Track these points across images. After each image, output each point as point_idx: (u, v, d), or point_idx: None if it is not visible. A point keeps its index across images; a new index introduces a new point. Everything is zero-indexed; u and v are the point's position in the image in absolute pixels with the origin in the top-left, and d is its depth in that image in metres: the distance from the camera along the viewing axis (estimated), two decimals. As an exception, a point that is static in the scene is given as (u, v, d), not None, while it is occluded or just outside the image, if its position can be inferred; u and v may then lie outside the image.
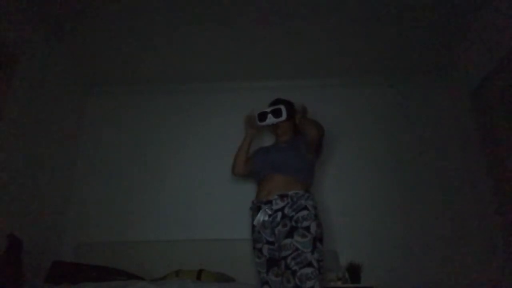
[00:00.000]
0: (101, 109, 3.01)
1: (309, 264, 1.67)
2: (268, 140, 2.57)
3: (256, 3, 2.18)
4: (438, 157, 2.67)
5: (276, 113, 2.06)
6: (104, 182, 2.77)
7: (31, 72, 2.31)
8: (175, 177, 2.75)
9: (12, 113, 2.15)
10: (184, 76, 2.91)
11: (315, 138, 2.05)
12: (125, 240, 2.56)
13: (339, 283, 2.23)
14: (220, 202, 2.64)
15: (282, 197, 1.85)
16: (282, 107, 2.05)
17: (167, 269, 2.24)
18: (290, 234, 1.74)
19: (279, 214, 1.83)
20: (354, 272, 2.28)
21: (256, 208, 1.94)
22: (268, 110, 2.08)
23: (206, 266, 2.23)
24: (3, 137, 2.08)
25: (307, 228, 1.75)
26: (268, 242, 1.87)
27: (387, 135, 2.76)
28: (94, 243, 2.56)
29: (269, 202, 1.87)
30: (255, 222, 1.90)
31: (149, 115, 2.97)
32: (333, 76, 2.89)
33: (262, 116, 2.09)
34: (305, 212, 1.79)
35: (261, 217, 1.87)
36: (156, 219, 2.64)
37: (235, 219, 2.54)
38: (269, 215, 1.85)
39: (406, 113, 2.82)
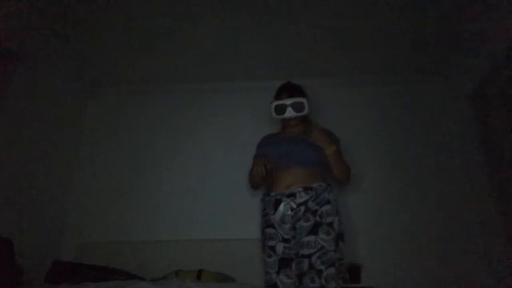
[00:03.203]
0: (101, 109, 3.01)
1: (333, 264, 1.62)
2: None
3: (256, 3, 2.18)
4: (438, 157, 2.67)
5: (297, 107, 1.88)
6: (104, 182, 2.77)
7: (31, 72, 2.31)
8: (175, 177, 2.75)
9: (12, 113, 2.15)
10: (184, 76, 2.91)
11: (339, 182, 1.93)
12: (125, 240, 2.56)
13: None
14: (220, 202, 2.64)
15: (306, 189, 1.74)
16: (304, 101, 1.88)
17: (167, 269, 2.24)
18: (314, 230, 1.66)
19: (302, 208, 1.72)
20: (354, 272, 2.28)
21: (274, 201, 1.79)
22: (288, 102, 1.89)
23: (206, 266, 2.23)
24: (3, 137, 2.08)
25: (331, 224, 1.68)
26: (284, 240, 1.74)
27: (387, 135, 2.76)
28: (94, 243, 2.56)
29: (292, 195, 1.75)
30: (276, 216, 1.76)
31: (149, 115, 2.97)
32: (333, 76, 2.89)
33: (280, 108, 1.90)
34: (328, 207, 1.72)
35: (284, 210, 1.74)
36: (156, 219, 2.64)
37: (235, 219, 2.54)
38: (292, 209, 1.73)
39: (406, 113, 2.82)
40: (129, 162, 2.82)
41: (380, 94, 2.88)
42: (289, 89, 2.02)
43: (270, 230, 1.79)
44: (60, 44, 2.49)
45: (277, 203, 1.78)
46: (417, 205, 2.55)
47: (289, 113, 1.89)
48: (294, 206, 1.74)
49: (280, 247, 1.74)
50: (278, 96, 2.03)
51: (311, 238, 1.65)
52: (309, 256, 1.63)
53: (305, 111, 1.88)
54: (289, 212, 1.74)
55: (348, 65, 2.80)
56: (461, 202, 2.52)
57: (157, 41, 2.50)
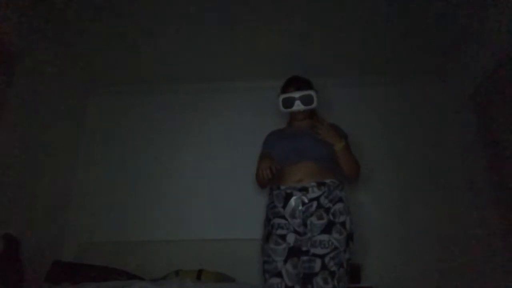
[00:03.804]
0: (101, 109, 3.01)
1: (343, 265, 1.59)
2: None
3: (256, 3, 2.18)
4: (438, 157, 2.67)
5: (306, 100, 1.82)
6: (104, 182, 2.78)
7: (31, 72, 2.31)
8: (175, 177, 2.75)
9: (12, 113, 2.15)
10: (184, 76, 2.91)
11: (348, 179, 1.88)
12: (125, 240, 2.56)
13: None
14: (220, 202, 2.64)
15: (319, 185, 1.69)
16: (313, 93, 1.83)
17: (167, 269, 2.24)
18: (327, 229, 1.62)
19: (315, 204, 1.67)
20: (354, 272, 2.28)
21: (284, 195, 1.73)
22: (296, 95, 1.83)
23: (206, 266, 2.23)
24: (3, 137, 2.08)
25: (343, 224, 1.65)
26: (296, 232, 1.68)
27: (387, 135, 2.76)
28: (94, 243, 2.56)
29: (304, 189, 1.69)
30: (286, 210, 1.71)
31: (149, 115, 2.97)
32: (333, 76, 2.89)
33: (288, 101, 1.83)
34: (341, 205, 1.69)
35: (295, 205, 1.69)
36: (156, 219, 2.64)
37: (235, 219, 2.54)
38: (304, 204, 1.68)
39: (406, 113, 2.82)
40: (129, 162, 2.83)
41: (380, 94, 2.88)
42: (297, 82, 1.96)
43: (280, 220, 1.71)
44: (60, 44, 2.49)
45: (288, 197, 1.72)
46: (417, 205, 2.55)
47: (298, 106, 1.83)
48: (306, 200, 1.68)
49: (292, 237, 1.67)
50: (285, 89, 1.96)
51: (324, 237, 1.61)
52: (322, 256, 1.59)
53: (314, 104, 1.83)
54: (300, 207, 1.69)
55: (348, 65, 2.79)
56: (461, 202, 2.52)
57: (157, 41, 2.50)
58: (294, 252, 1.65)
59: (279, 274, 1.63)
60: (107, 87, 3.02)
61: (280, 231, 1.70)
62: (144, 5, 2.18)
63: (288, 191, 1.73)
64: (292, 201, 1.70)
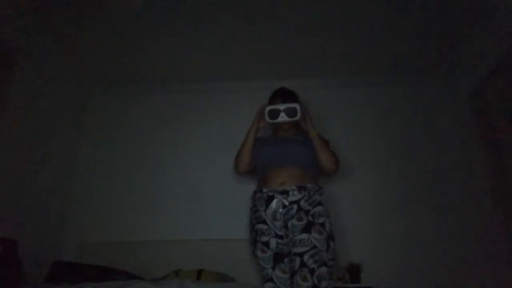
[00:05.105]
0: (101, 109, 3.01)
1: (324, 263, 1.65)
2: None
3: (256, 2, 2.18)
4: (438, 157, 2.67)
5: (290, 112, 1.90)
6: (104, 182, 2.77)
7: (31, 72, 2.31)
8: (175, 177, 2.75)
9: (13, 113, 2.15)
10: (184, 76, 2.91)
11: (328, 171, 1.94)
12: (125, 240, 2.56)
13: (339, 283, 2.24)
14: (220, 202, 2.64)
15: (300, 189, 1.77)
16: (297, 106, 1.90)
17: (167, 269, 2.24)
18: (307, 229, 1.70)
19: (295, 207, 1.75)
20: (354, 272, 2.28)
21: (266, 197, 1.81)
22: (281, 108, 1.91)
23: (206, 266, 2.23)
24: (3, 137, 2.08)
25: (323, 225, 1.72)
26: (277, 236, 1.76)
27: (387, 135, 2.76)
28: (94, 243, 2.56)
29: (285, 192, 1.77)
30: (267, 212, 1.78)
31: (149, 115, 2.97)
32: (333, 76, 2.89)
33: (274, 113, 1.92)
34: (320, 208, 1.77)
35: (276, 207, 1.77)
36: (156, 219, 2.64)
37: (235, 219, 2.54)
38: (284, 207, 1.76)
39: (406, 113, 2.82)
40: (129, 162, 2.83)
41: (380, 94, 2.88)
42: (282, 95, 2.07)
43: (262, 226, 1.80)
44: (60, 44, 2.49)
45: (269, 199, 1.80)
46: (417, 205, 2.55)
47: (282, 118, 1.92)
48: (286, 203, 1.76)
49: (273, 242, 1.76)
50: (272, 101, 2.08)
51: (304, 236, 1.69)
52: (301, 255, 1.66)
53: (298, 117, 1.91)
54: (281, 210, 1.77)
55: (348, 65, 2.80)
56: (461, 202, 2.52)
57: (157, 41, 2.50)
58: (278, 258, 1.75)
59: (271, 280, 1.74)
60: (107, 87, 3.03)
61: (263, 238, 1.79)
62: (144, 5, 2.18)
63: (270, 193, 1.81)
64: (273, 204, 1.78)
